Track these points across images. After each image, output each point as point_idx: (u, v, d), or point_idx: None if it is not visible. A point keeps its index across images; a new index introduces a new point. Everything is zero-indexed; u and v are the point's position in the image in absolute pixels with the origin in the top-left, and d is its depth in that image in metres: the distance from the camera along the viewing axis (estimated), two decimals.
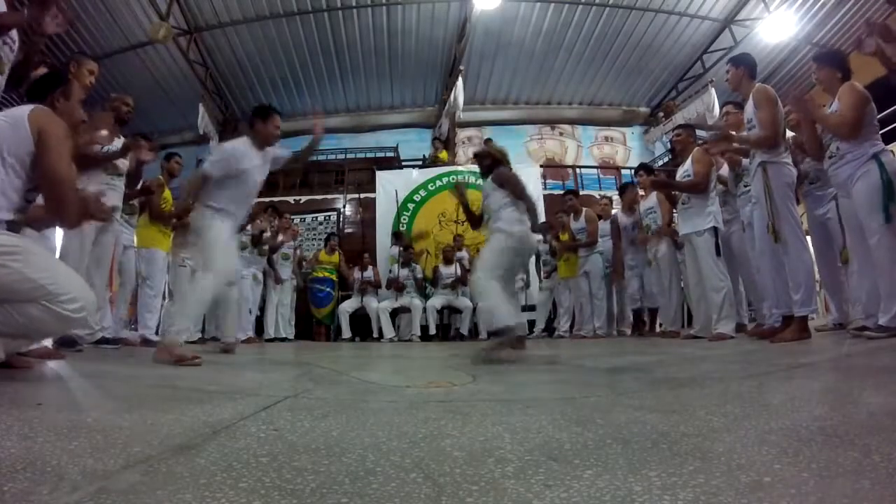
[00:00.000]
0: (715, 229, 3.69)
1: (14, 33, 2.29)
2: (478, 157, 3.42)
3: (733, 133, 3.31)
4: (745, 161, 3.47)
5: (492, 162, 3.29)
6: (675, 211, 4.29)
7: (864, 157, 2.59)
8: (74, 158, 2.83)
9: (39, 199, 1.78)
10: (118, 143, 3.33)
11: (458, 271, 6.48)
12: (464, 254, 6.67)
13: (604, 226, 5.71)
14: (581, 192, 8.35)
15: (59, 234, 2.73)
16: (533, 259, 6.01)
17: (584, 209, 5.66)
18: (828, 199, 3.22)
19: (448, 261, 6.67)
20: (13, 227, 1.63)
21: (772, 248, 3.03)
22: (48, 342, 2.50)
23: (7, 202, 1.59)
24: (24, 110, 1.64)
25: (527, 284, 6.42)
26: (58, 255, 2.69)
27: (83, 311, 1.60)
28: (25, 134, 1.59)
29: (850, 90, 2.65)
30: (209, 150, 11.20)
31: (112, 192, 3.22)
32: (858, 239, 2.72)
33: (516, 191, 3.05)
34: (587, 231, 5.49)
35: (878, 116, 2.74)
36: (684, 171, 3.94)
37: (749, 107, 3.10)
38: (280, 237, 6.07)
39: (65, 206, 1.72)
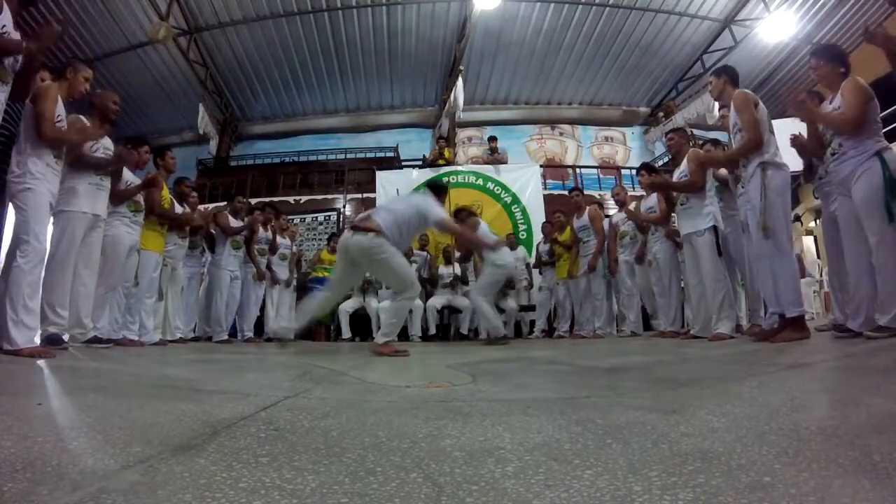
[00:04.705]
0: (715, 228, 3.70)
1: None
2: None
3: (711, 151, 3.32)
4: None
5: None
6: (673, 212, 4.29)
7: (867, 154, 2.56)
8: (74, 160, 2.84)
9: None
10: (107, 141, 3.31)
11: (458, 271, 6.48)
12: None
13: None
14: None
15: (48, 233, 2.72)
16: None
17: (587, 207, 5.63)
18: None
19: (448, 261, 6.66)
20: None
21: (768, 248, 3.02)
22: (37, 339, 2.51)
23: None
24: None
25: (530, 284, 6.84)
26: (47, 253, 2.68)
27: None
28: None
29: (854, 85, 2.62)
30: (208, 151, 11.25)
31: (101, 192, 3.21)
32: (854, 238, 2.71)
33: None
34: (593, 230, 5.46)
35: (881, 115, 2.72)
36: (680, 172, 3.97)
37: (732, 113, 3.14)
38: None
39: None
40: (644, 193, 5.20)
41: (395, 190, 7.79)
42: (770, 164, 2.95)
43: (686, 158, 3.90)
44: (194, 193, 5.31)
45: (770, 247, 2.93)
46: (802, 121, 3.02)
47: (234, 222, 5.44)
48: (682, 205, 3.94)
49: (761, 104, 3.06)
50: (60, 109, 2.67)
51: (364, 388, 1.67)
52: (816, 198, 3.38)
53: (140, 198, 3.86)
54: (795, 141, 3.11)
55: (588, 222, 5.49)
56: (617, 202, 5.71)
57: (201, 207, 6.12)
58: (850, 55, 2.85)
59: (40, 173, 2.53)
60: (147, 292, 4.13)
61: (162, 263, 4.36)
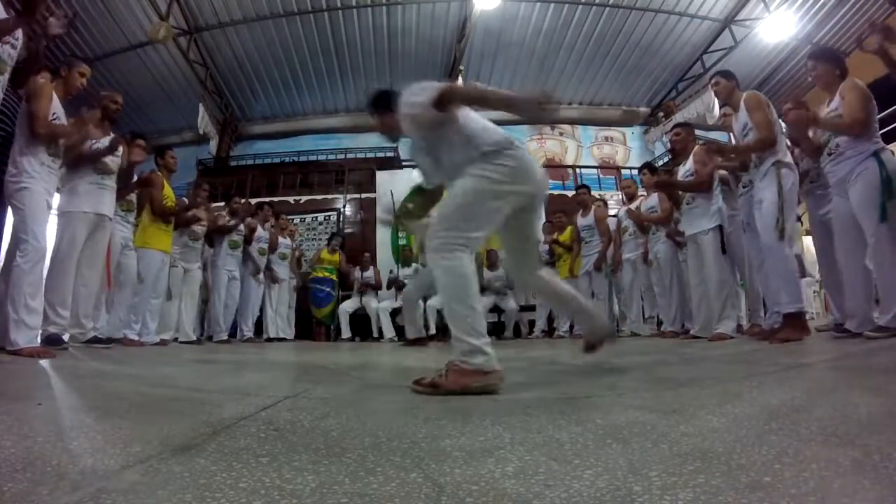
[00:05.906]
0: (720, 227, 3.69)
1: (19, 32, 2.30)
2: None
3: (717, 143, 3.30)
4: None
5: None
6: (677, 212, 4.27)
7: (865, 155, 2.57)
8: (74, 159, 2.84)
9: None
10: (107, 140, 3.32)
11: None
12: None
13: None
14: None
15: (50, 232, 2.73)
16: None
17: (593, 207, 5.60)
18: (829, 198, 3.22)
19: None
20: None
21: (773, 247, 3.02)
22: (38, 340, 2.51)
23: None
24: None
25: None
26: (49, 253, 2.68)
27: None
28: None
29: (854, 87, 2.64)
30: (208, 151, 11.24)
31: (103, 191, 3.18)
32: (848, 239, 2.71)
33: None
34: (599, 230, 5.43)
35: (879, 116, 2.73)
36: (686, 170, 3.92)
37: (742, 114, 3.11)
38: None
39: None
40: (645, 193, 5.19)
41: (390, 191, 7.76)
42: (783, 163, 2.96)
43: (692, 157, 3.86)
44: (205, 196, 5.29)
45: (780, 244, 2.94)
46: (795, 124, 3.02)
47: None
48: (688, 204, 3.90)
49: (771, 105, 3.06)
50: (57, 107, 2.67)
51: (364, 388, 1.67)
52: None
53: (133, 196, 3.86)
54: (791, 140, 3.12)
55: (594, 222, 5.47)
56: (626, 195, 5.69)
57: None
58: (849, 56, 2.87)
59: (36, 172, 2.53)
60: (153, 292, 4.10)
61: (169, 263, 4.32)
